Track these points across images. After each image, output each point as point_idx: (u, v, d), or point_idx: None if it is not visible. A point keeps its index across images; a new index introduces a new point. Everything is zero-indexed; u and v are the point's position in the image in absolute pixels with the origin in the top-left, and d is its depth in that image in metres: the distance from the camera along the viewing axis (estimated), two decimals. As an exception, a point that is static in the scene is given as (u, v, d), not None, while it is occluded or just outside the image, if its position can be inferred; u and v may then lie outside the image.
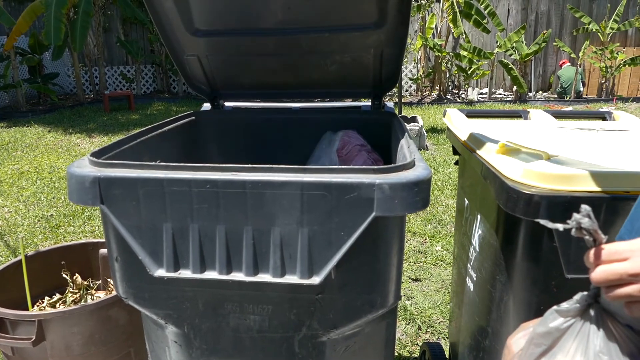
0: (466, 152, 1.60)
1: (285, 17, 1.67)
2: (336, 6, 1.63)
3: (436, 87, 11.09)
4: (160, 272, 1.11)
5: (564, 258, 1.23)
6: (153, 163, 1.09)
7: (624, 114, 1.92)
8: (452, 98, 10.80)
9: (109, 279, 2.10)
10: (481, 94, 11.39)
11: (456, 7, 9.30)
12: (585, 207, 0.74)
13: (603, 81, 10.67)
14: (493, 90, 11.01)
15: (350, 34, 1.70)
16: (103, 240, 2.17)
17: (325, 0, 1.61)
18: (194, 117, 1.86)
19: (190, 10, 1.66)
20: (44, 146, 7.15)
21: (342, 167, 1.02)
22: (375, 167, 1.01)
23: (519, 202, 1.19)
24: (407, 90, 11.35)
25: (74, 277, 2.06)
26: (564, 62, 11.18)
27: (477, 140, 1.50)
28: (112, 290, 2.08)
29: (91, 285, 2.11)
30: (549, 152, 1.29)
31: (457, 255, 1.98)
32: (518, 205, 1.20)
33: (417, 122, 6.37)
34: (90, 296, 2.04)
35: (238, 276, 1.08)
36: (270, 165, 1.03)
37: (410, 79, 11.17)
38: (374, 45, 1.73)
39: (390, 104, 1.97)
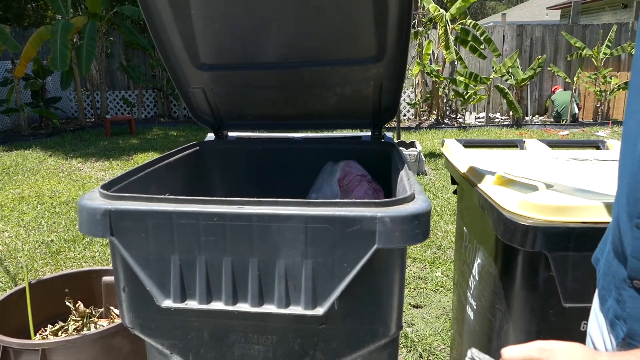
0: (464, 182, 1.64)
1: (287, 52, 1.73)
2: (336, 41, 1.69)
3: (434, 112, 11.22)
4: (168, 303, 1.14)
5: (561, 287, 1.26)
6: (162, 196, 1.13)
7: (617, 143, 1.97)
8: (449, 122, 10.92)
9: (111, 307, 2.11)
10: (478, 118, 11.52)
11: (449, 34, 9.48)
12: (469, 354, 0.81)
13: (598, 105, 10.81)
14: (490, 114, 11.14)
15: (351, 67, 1.77)
16: (106, 267, 2.20)
17: (326, 35, 1.68)
18: (198, 147, 1.90)
19: (197, 45, 1.72)
20: (45, 170, 7.18)
21: (345, 200, 1.06)
22: (377, 200, 1.05)
23: (516, 232, 1.23)
24: (405, 115, 11.47)
25: (77, 305, 2.07)
26: (556, 88, 11.39)
27: (475, 171, 1.54)
28: (115, 318, 2.09)
29: (93, 313, 2.12)
30: (545, 183, 1.33)
31: (457, 282, 2.01)
32: (515, 236, 1.23)
33: (416, 147, 6.43)
34: (92, 324, 2.05)
35: (243, 307, 1.11)
36: (276, 199, 1.07)
37: (409, 104, 11.31)
38: (374, 77, 1.79)
39: (389, 134, 2.03)
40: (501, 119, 11.54)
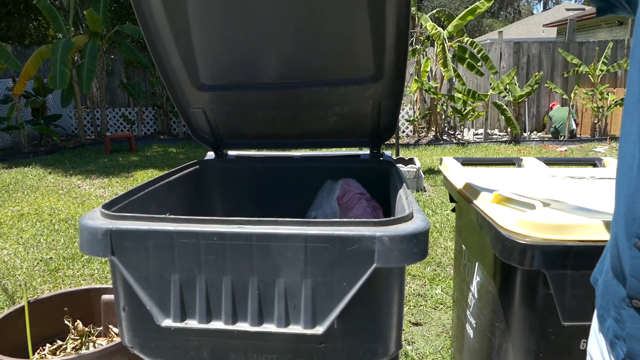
0: (462, 200, 1.65)
1: (287, 72, 1.76)
2: (335, 62, 1.72)
3: (432, 128, 11.28)
4: (167, 322, 1.14)
5: (559, 305, 1.27)
6: (163, 216, 1.14)
7: (613, 161, 1.99)
8: (448, 139, 10.97)
9: (110, 326, 2.11)
10: (477, 134, 11.57)
11: (447, 52, 9.59)
12: None
13: (596, 121, 10.89)
14: (488, 130, 11.20)
15: (349, 87, 1.79)
16: (106, 286, 2.19)
17: (325, 56, 1.71)
18: (198, 166, 1.92)
19: (197, 66, 1.75)
20: (44, 187, 7.19)
21: (344, 220, 1.07)
22: (375, 220, 1.06)
23: (513, 251, 1.24)
24: (404, 132, 11.53)
25: (76, 324, 2.07)
26: (553, 104, 11.49)
27: (472, 190, 1.56)
28: (114, 337, 2.09)
29: (92, 332, 2.11)
30: (542, 201, 1.34)
31: (456, 299, 2.00)
32: (513, 254, 1.24)
33: (415, 164, 6.46)
34: (91, 343, 2.04)
35: (243, 326, 1.12)
36: (275, 219, 1.08)
37: (407, 120, 11.38)
38: (372, 97, 1.82)
39: (388, 152, 2.04)
40: (499, 135, 11.60)
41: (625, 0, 0.94)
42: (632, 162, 0.81)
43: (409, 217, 1.10)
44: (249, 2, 1.55)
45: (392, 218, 1.07)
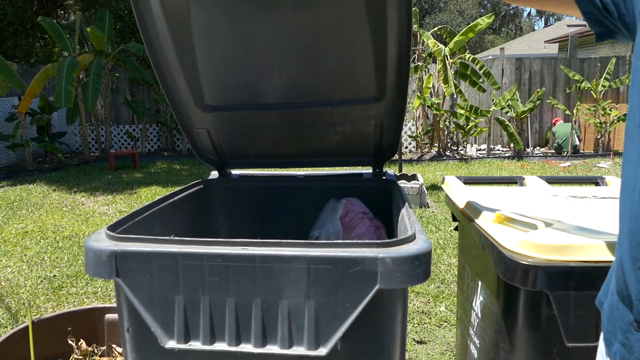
0: (464, 220, 1.66)
1: (290, 93, 1.78)
2: (338, 82, 1.75)
3: (435, 144, 11.31)
4: (171, 344, 1.14)
5: (563, 326, 1.26)
6: (167, 237, 1.15)
7: (616, 180, 1.99)
8: (451, 154, 10.99)
9: (114, 345, 2.10)
10: (480, 150, 11.60)
11: (448, 68, 9.66)
12: None
13: (599, 136, 10.90)
14: (491, 146, 11.22)
15: (352, 107, 1.81)
16: (109, 305, 2.20)
17: (327, 77, 1.73)
18: (202, 186, 1.94)
19: (201, 87, 1.78)
20: (48, 205, 7.22)
21: (347, 241, 1.08)
22: (378, 241, 1.07)
23: (516, 271, 1.24)
24: (406, 147, 11.57)
25: (79, 344, 2.07)
26: (556, 120, 11.53)
27: (475, 209, 1.56)
28: (117, 356, 2.08)
29: (95, 351, 2.10)
30: (544, 221, 1.35)
31: (460, 318, 2.00)
32: (516, 275, 1.24)
33: (418, 180, 6.47)
34: (94, 363, 2.04)
35: (247, 347, 1.12)
36: (279, 240, 1.09)
37: (410, 136, 11.42)
38: (374, 117, 1.84)
39: (390, 171, 2.06)
40: (502, 150, 11.62)
41: (624, 26, 0.96)
42: (634, 185, 0.82)
43: (411, 238, 1.11)
44: (253, 24, 1.58)
45: (394, 239, 1.08)
